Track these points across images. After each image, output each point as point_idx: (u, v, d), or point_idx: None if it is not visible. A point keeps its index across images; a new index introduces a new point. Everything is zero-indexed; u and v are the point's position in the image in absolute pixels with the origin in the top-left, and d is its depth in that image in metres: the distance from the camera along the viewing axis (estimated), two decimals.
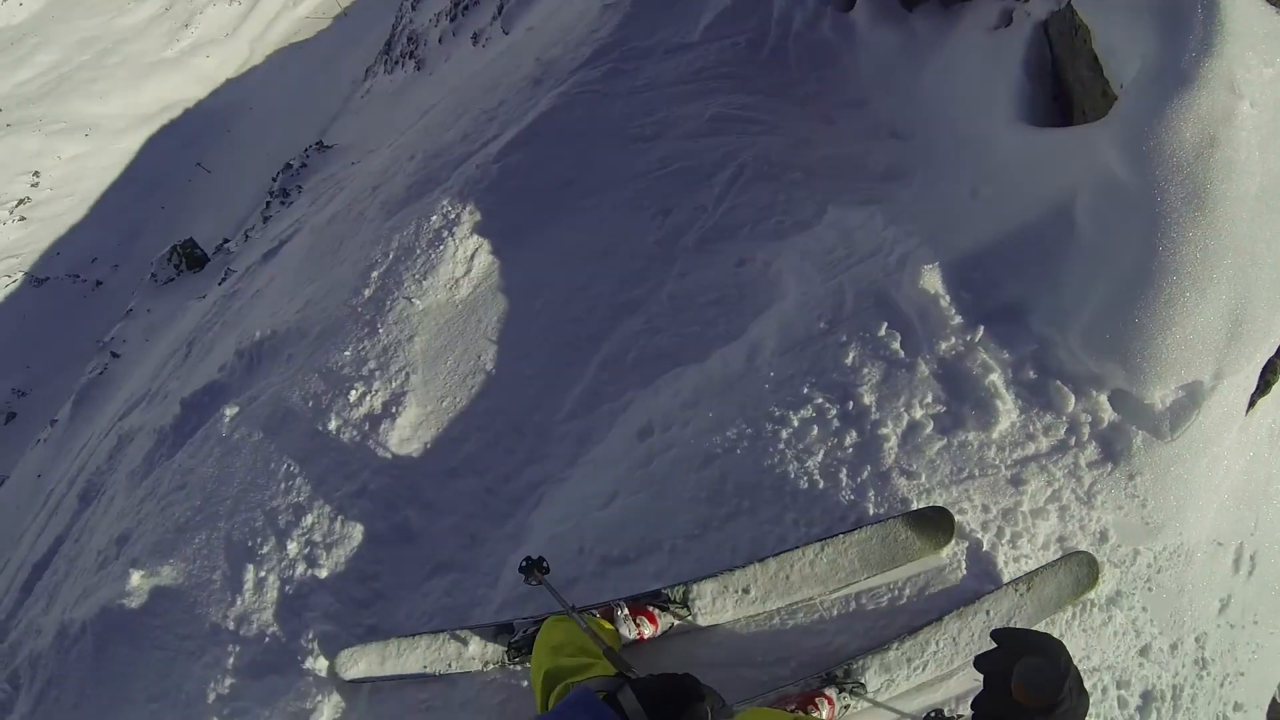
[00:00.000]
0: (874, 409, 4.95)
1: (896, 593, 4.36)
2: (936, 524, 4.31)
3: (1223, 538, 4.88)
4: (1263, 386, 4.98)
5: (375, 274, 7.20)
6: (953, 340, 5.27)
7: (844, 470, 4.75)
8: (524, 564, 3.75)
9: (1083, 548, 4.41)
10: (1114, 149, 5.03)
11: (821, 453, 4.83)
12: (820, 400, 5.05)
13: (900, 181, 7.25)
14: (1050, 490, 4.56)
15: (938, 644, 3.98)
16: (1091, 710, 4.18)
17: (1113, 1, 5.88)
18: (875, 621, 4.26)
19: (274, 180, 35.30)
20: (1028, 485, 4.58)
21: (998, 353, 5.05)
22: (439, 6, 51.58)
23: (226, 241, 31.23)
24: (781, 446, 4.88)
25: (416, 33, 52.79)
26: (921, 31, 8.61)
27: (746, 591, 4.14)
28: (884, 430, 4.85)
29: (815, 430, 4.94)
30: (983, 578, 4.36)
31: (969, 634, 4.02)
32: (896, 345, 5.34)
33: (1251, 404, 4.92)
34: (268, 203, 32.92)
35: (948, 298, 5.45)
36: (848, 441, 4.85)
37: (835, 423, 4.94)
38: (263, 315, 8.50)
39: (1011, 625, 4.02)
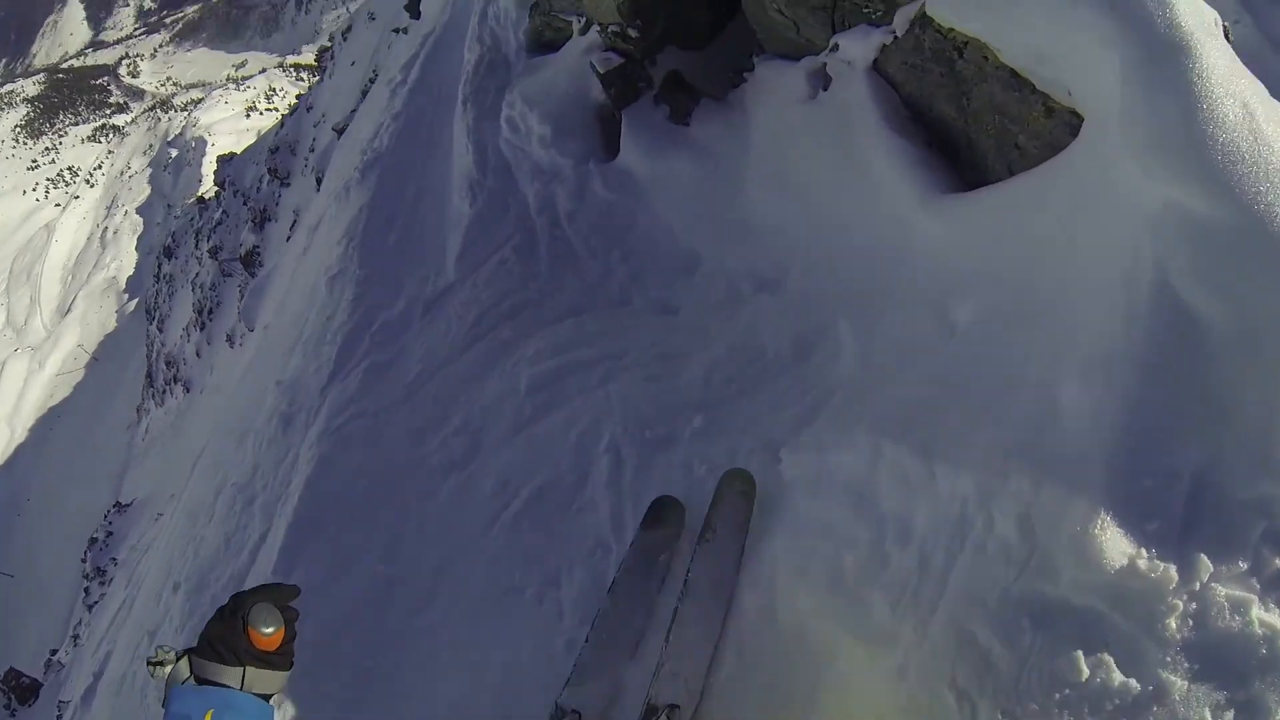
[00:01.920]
0: None
1: None
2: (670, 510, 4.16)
3: None
4: None
5: None
6: (1172, 601, 2.63)
7: None
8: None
9: None
10: (1181, 183, 3.10)
11: None
12: None
13: (825, 355, 4.65)
14: None
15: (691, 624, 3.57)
16: None
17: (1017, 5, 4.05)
18: None
19: (83, 561, 32.57)
20: None
21: (1232, 571, 2.66)
22: (184, 319, 48.36)
23: (55, 653, 27.88)
24: None
25: (173, 354, 48.98)
26: (711, 141, 6.34)
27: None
28: None
29: None
30: None
31: (710, 590, 3.66)
32: (1116, 676, 2.56)
33: None
34: (86, 589, 30.07)
35: (1126, 544, 2.73)
36: None
37: None
38: None
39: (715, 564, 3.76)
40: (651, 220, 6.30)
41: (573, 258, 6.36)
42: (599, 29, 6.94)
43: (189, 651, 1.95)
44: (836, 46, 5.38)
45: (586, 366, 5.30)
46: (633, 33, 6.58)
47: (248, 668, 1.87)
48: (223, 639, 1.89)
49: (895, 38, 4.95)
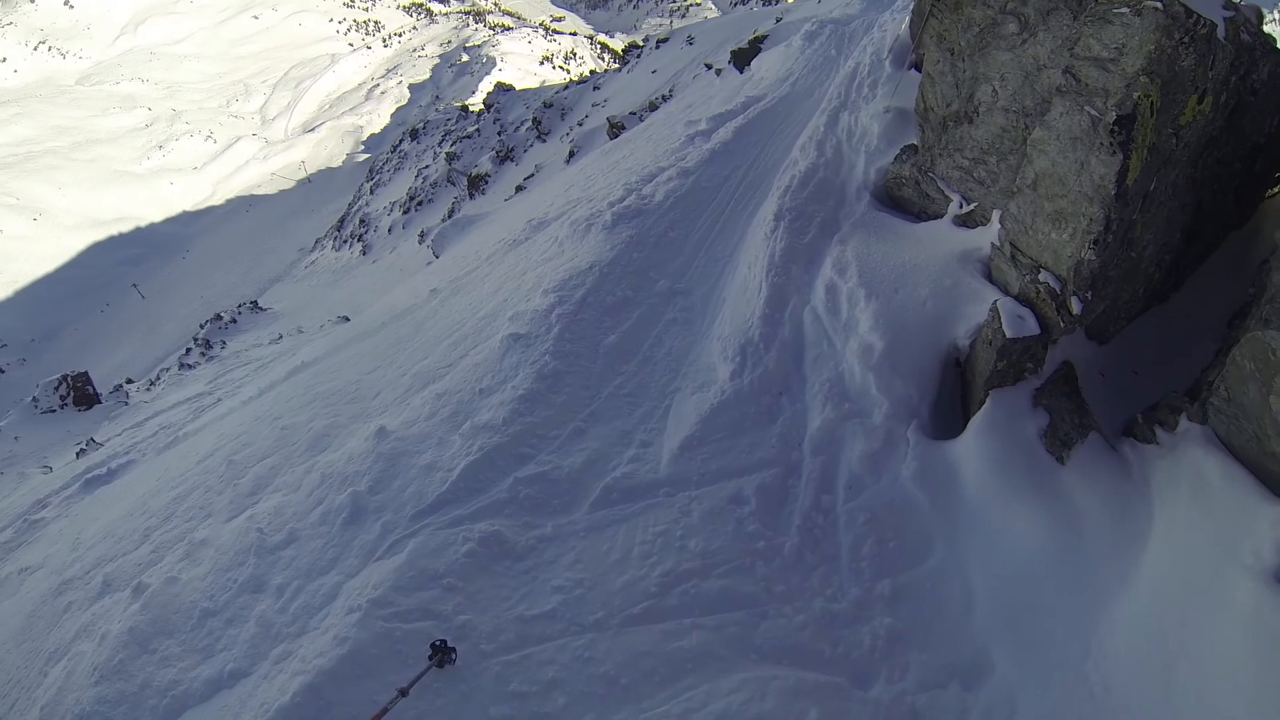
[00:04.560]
0: None
1: None
2: None
3: None
4: None
5: None
6: None
7: None
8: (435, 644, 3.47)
9: None
10: None
11: None
12: None
13: None
14: None
15: None
16: None
17: None
18: None
19: (201, 327, 32.22)
20: None
21: None
22: (395, 195, 48.02)
23: (129, 383, 27.08)
24: None
25: (369, 216, 48.97)
26: (1086, 508, 3.77)
27: None
28: None
29: None
30: None
31: None
32: None
33: None
34: (188, 349, 29.58)
35: None
36: None
37: None
38: None
39: None
40: (951, 567, 3.82)
41: (829, 553, 3.91)
42: (1014, 259, 4.41)
43: None
44: None
45: None
46: (1075, 305, 4.04)
47: None
48: None
49: None
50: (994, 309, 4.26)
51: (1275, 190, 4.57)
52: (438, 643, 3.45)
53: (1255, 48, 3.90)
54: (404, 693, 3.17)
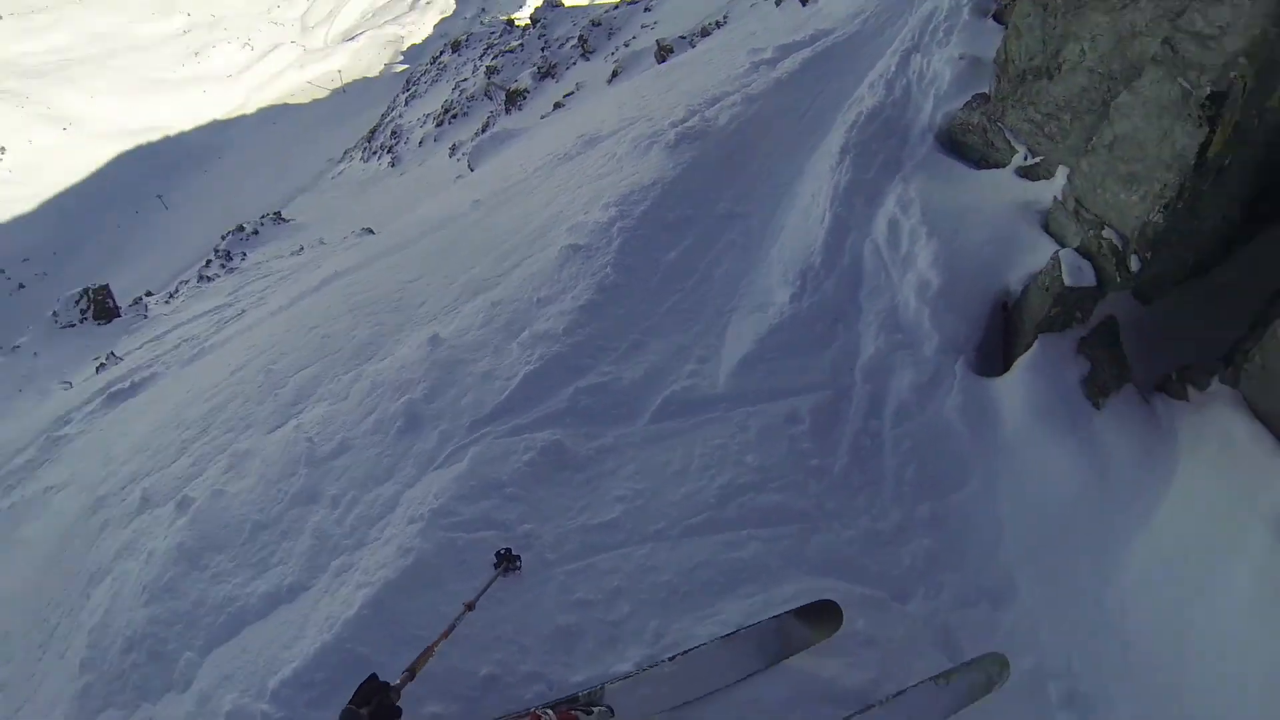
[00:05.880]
0: None
1: None
2: (825, 616, 3.47)
3: None
4: None
5: None
6: None
7: None
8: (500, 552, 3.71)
9: None
10: None
11: None
12: None
13: None
14: None
15: None
16: None
17: None
18: None
19: (222, 238, 32.36)
20: None
21: None
22: (430, 107, 47.91)
23: (149, 295, 27.29)
24: None
25: (401, 128, 48.93)
26: (1111, 456, 4.01)
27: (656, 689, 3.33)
28: None
29: None
30: None
31: None
32: None
33: None
34: (208, 261, 29.84)
35: None
36: None
37: None
38: None
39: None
40: (985, 496, 4.05)
41: (875, 473, 4.15)
42: (1076, 214, 4.55)
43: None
44: None
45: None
46: (1134, 263, 4.20)
47: None
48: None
49: None
50: (1055, 258, 4.43)
51: None
52: (502, 551, 3.69)
53: None
54: (470, 607, 3.37)
